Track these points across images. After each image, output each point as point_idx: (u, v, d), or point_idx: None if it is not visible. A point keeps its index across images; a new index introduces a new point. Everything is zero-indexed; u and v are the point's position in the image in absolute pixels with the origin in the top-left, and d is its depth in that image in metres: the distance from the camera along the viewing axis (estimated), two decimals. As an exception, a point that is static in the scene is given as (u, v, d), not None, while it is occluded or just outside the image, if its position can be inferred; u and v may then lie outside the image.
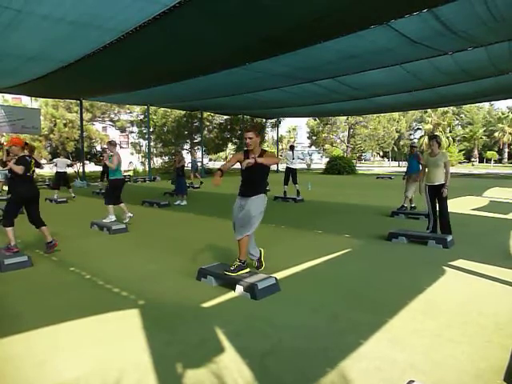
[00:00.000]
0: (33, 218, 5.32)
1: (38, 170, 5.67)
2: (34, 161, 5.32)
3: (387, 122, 38.74)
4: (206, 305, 3.54)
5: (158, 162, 30.83)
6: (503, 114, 50.69)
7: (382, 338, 2.85)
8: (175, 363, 2.55)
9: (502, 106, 65.78)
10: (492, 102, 50.84)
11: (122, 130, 33.27)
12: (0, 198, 11.04)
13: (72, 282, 4.24)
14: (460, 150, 43.28)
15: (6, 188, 5.55)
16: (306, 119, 40.76)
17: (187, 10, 6.43)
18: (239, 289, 3.76)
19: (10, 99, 25.98)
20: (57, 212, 9.47)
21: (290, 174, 11.23)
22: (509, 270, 4.42)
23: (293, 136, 62.09)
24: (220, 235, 6.62)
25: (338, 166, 25.31)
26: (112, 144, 7.50)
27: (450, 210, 6.11)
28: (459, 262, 4.76)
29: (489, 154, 48.37)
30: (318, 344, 2.78)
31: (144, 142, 29.99)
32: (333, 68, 10.96)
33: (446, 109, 42.94)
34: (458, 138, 49.70)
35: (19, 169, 4.97)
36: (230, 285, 3.87)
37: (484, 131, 51.18)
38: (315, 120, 39.39)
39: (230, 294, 3.77)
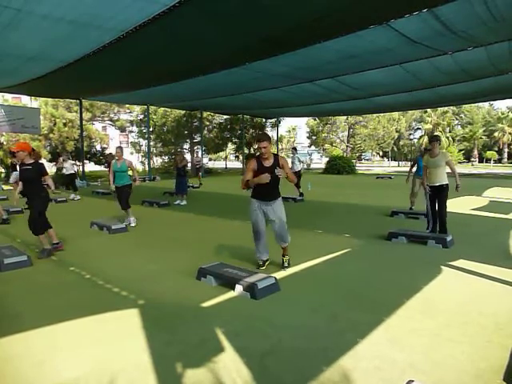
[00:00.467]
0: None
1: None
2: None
3: (387, 122, 38.74)
4: (205, 304, 3.54)
5: (157, 161, 30.83)
6: (503, 113, 50.73)
7: (381, 337, 2.85)
8: (175, 363, 2.55)
9: (501, 105, 65.84)
10: (492, 102, 50.91)
11: (122, 129, 33.28)
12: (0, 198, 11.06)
13: (72, 282, 4.24)
14: (460, 150, 43.35)
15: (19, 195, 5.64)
16: (305, 119, 40.78)
17: (187, 10, 6.43)
18: (239, 288, 3.76)
19: (9, 99, 25.97)
20: (57, 212, 9.45)
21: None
22: (509, 269, 4.42)
23: (293, 136, 62.14)
24: (220, 235, 6.61)
25: (338, 166, 25.35)
26: (120, 149, 7.63)
27: (449, 209, 6.12)
28: (459, 262, 4.76)
29: (488, 153, 48.44)
30: (318, 344, 2.78)
31: (144, 142, 29.98)
32: (332, 68, 10.96)
33: (445, 109, 42.99)
34: (457, 138, 49.74)
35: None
36: (230, 284, 3.88)
37: (484, 131, 51.22)
38: (315, 120, 39.39)
39: (230, 294, 3.77)
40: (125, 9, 6.37)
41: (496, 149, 51.15)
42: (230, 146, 35.32)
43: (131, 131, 33.66)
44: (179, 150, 26.22)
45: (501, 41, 8.48)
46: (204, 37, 8.04)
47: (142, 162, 30.62)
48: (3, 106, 18.14)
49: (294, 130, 62.19)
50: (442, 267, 4.57)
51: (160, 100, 19.40)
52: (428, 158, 6.11)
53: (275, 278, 3.90)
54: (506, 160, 49.50)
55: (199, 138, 27.07)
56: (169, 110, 27.38)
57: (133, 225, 7.40)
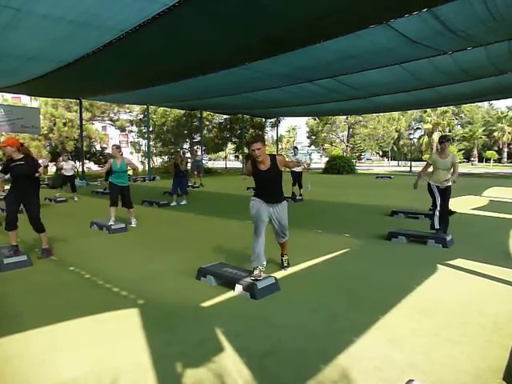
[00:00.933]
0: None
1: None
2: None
3: (387, 122, 38.77)
4: (205, 304, 3.54)
5: (157, 161, 30.83)
6: (502, 113, 50.72)
7: (381, 337, 2.85)
8: (175, 363, 2.55)
9: (501, 105, 65.84)
10: (491, 102, 50.91)
11: (122, 129, 33.27)
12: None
13: (71, 282, 4.24)
14: (459, 150, 43.32)
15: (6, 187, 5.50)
16: (305, 119, 40.82)
17: (187, 10, 6.43)
18: (239, 288, 3.76)
19: (9, 98, 25.97)
20: (56, 211, 9.47)
21: (297, 176, 11.18)
22: (509, 269, 4.42)
23: (292, 136, 62.14)
24: (220, 235, 6.61)
25: (338, 166, 25.35)
26: (118, 148, 7.62)
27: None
28: (459, 262, 4.76)
29: (488, 153, 48.43)
30: (318, 344, 2.78)
31: (143, 142, 29.98)
32: (332, 68, 10.97)
33: (445, 108, 42.95)
34: (457, 138, 49.73)
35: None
36: (230, 284, 3.88)
37: (483, 131, 51.21)
38: (315, 119, 39.42)
39: (230, 294, 3.77)
40: (124, 8, 6.38)
41: (496, 148, 51.15)
42: (230, 146, 35.35)
43: (131, 131, 33.66)
44: (178, 149, 26.17)
45: (500, 40, 8.49)
46: (204, 37, 8.04)
47: (141, 161, 30.62)
48: (3, 106, 18.13)
49: (293, 129, 62.22)
50: (442, 267, 4.57)
51: (160, 100, 19.40)
52: (437, 158, 5.96)
53: (275, 278, 3.90)
54: (505, 160, 49.51)
55: (199, 138, 27.08)
56: (168, 109, 27.39)
57: (133, 225, 7.41)
